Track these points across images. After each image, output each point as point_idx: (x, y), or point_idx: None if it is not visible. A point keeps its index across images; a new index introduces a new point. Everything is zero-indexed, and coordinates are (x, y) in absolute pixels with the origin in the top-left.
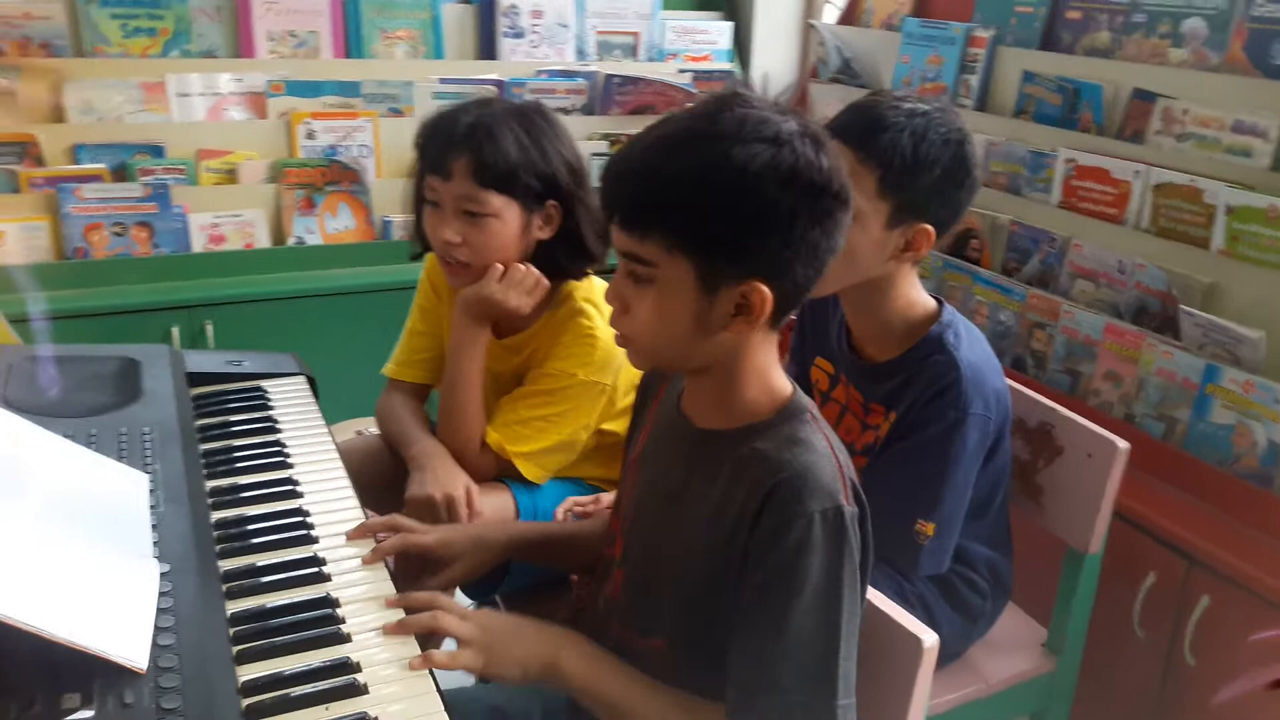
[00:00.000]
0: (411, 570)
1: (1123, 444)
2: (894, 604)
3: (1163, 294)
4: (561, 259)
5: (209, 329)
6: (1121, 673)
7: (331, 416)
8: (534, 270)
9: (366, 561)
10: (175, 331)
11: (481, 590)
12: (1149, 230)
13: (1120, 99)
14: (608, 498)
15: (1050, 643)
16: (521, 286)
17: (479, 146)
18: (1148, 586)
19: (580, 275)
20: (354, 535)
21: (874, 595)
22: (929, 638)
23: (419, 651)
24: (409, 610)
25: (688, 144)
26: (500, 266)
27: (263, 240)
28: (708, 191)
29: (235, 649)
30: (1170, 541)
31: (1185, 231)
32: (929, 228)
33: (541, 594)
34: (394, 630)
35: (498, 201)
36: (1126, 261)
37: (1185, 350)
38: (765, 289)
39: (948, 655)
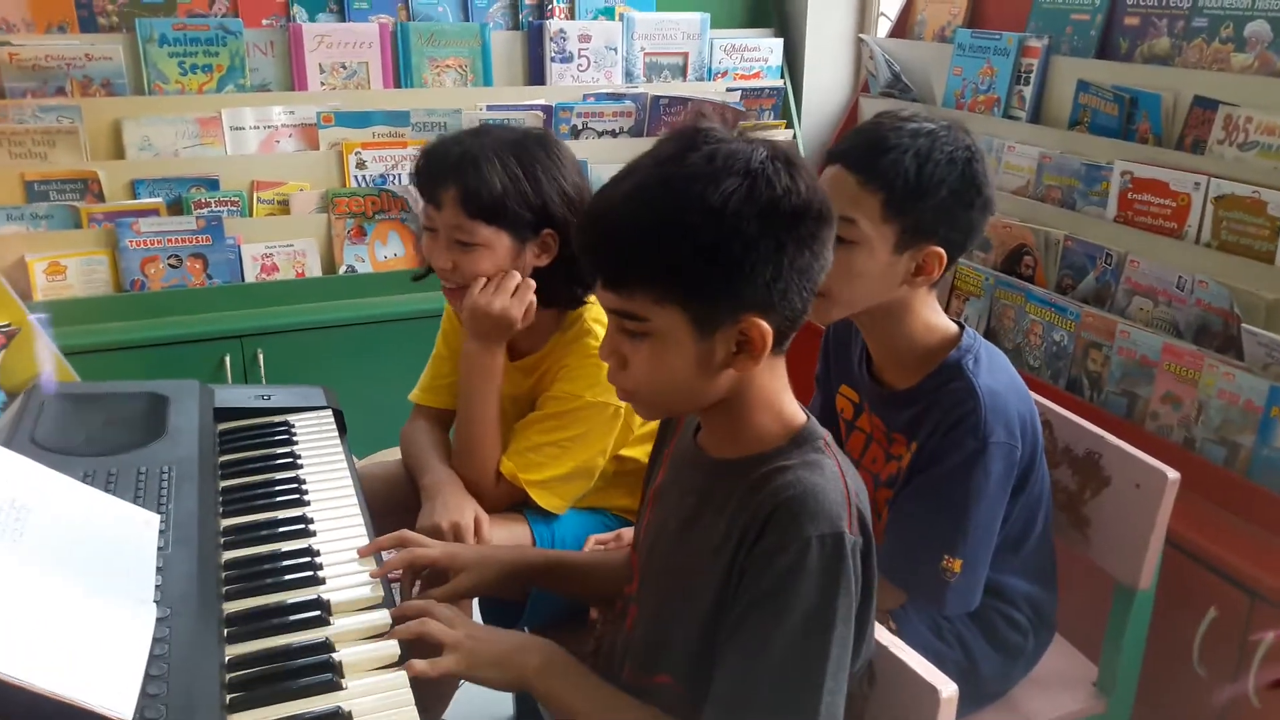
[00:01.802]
0: (419, 586)
1: (1173, 474)
2: (913, 651)
3: (1224, 312)
4: (559, 286)
5: (261, 358)
6: (1181, 714)
7: (380, 443)
8: (517, 274)
9: (374, 575)
10: (227, 360)
11: (503, 623)
12: (1210, 245)
13: (1180, 108)
14: (629, 533)
15: (1101, 681)
16: (504, 291)
17: (465, 178)
18: (1209, 622)
19: (578, 303)
20: (364, 552)
21: (894, 641)
22: (947, 688)
23: (412, 704)
24: (401, 620)
25: (659, 191)
26: (483, 279)
27: (314, 269)
28: (689, 238)
29: (228, 696)
30: (1232, 575)
31: (1249, 246)
32: (940, 250)
33: (563, 629)
34: (391, 635)
35: (486, 232)
36: (1186, 278)
37: (1248, 371)
38: (763, 323)
39: (989, 695)
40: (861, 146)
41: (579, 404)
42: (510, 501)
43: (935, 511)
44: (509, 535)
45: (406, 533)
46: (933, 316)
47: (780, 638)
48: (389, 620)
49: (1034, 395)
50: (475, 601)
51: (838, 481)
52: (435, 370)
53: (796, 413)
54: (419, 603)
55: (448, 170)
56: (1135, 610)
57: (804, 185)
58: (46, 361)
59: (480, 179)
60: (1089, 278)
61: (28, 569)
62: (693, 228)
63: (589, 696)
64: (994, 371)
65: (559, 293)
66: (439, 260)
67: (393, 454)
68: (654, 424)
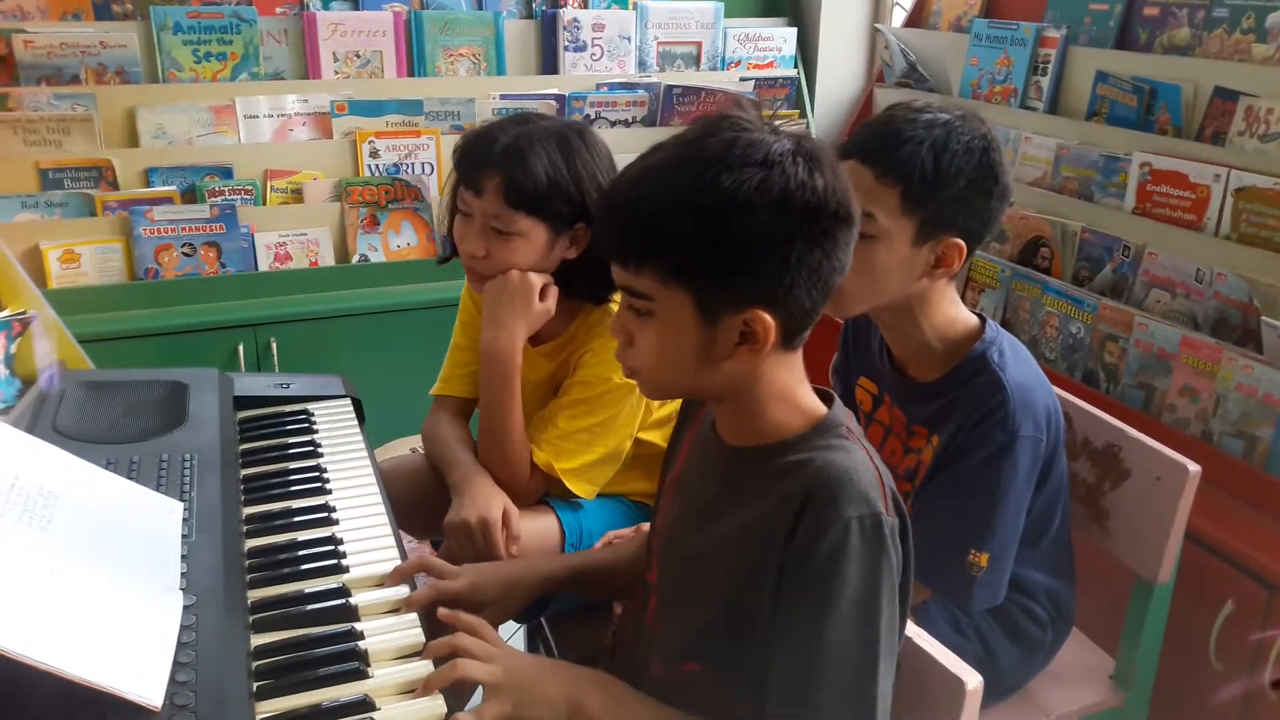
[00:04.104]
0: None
1: (1194, 467)
2: (937, 643)
3: (1243, 304)
4: (585, 279)
5: (274, 346)
6: (1197, 707)
7: (394, 432)
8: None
9: (401, 612)
10: (241, 349)
11: (527, 614)
12: (1229, 237)
13: (1200, 99)
14: (647, 528)
15: (1118, 674)
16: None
17: (512, 168)
18: (1225, 615)
19: (601, 300)
20: (390, 582)
21: (918, 633)
22: (972, 680)
23: (440, 696)
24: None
25: (675, 172)
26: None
27: (327, 258)
28: (697, 220)
29: (255, 684)
30: (1249, 568)
31: (1269, 238)
32: (960, 241)
33: (587, 619)
34: (420, 693)
35: (525, 223)
36: (1205, 270)
37: (1268, 364)
38: (768, 317)
39: (1007, 688)
40: (877, 139)
41: (607, 387)
42: (543, 492)
43: (962, 506)
44: (537, 527)
45: (428, 559)
46: (952, 309)
47: (831, 627)
48: (415, 613)
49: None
50: None
51: (867, 464)
52: (455, 360)
53: (816, 403)
54: (448, 640)
55: (494, 158)
56: (1154, 603)
57: (822, 183)
58: (46, 359)
59: (526, 170)
60: (1106, 270)
61: (57, 556)
62: (702, 211)
63: None
64: (1020, 364)
65: (584, 287)
66: (472, 246)
67: (406, 443)
68: (671, 407)
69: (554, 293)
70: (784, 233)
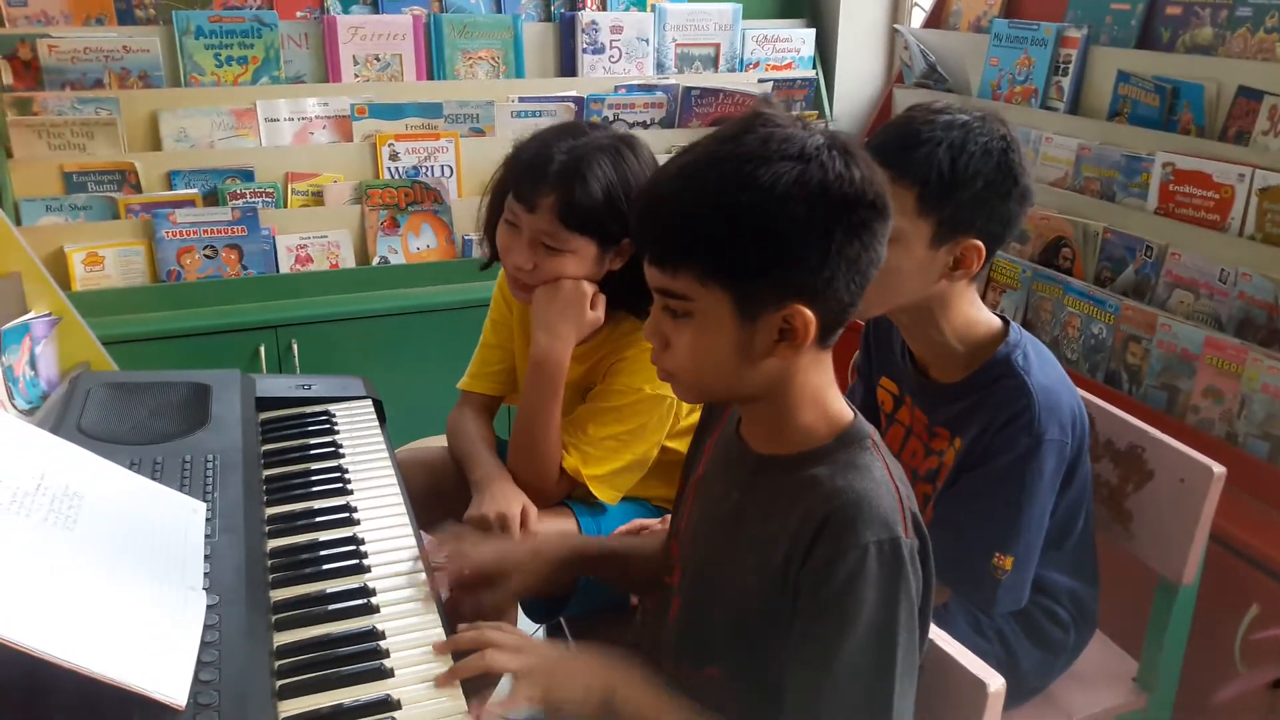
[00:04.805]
0: (470, 585)
1: (1219, 468)
2: (960, 645)
3: (1268, 305)
4: (630, 292)
5: (295, 348)
6: (1222, 711)
7: (415, 433)
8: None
9: (437, 649)
10: (262, 350)
11: (547, 613)
12: (1254, 237)
13: (1223, 98)
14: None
15: (1141, 677)
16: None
17: (569, 188)
18: (1250, 618)
19: (643, 315)
20: (420, 559)
21: (940, 635)
22: (994, 682)
23: (459, 690)
24: (457, 654)
25: (711, 170)
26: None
27: (348, 260)
28: (736, 216)
29: (278, 683)
30: (1275, 570)
31: None
32: (978, 243)
33: (606, 620)
34: (445, 681)
35: (578, 241)
36: (1229, 270)
37: None
38: (807, 311)
39: (1029, 690)
40: (893, 141)
41: (639, 397)
42: (565, 495)
43: (987, 509)
44: (555, 528)
45: (451, 535)
46: (973, 311)
47: (846, 651)
48: (437, 612)
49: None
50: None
51: (888, 485)
52: (483, 358)
53: (843, 410)
54: (473, 633)
55: (550, 177)
56: (1178, 606)
57: (859, 174)
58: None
59: (585, 191)
60: (1128, 270)
61: (82, 556)
62: (740, 206)
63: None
64: (1044, 367)
65: (628, 299)
66: (519, 259)
67: (426, 444)
68: (698, 415)
69: (602, 301)
70: (824, 225)
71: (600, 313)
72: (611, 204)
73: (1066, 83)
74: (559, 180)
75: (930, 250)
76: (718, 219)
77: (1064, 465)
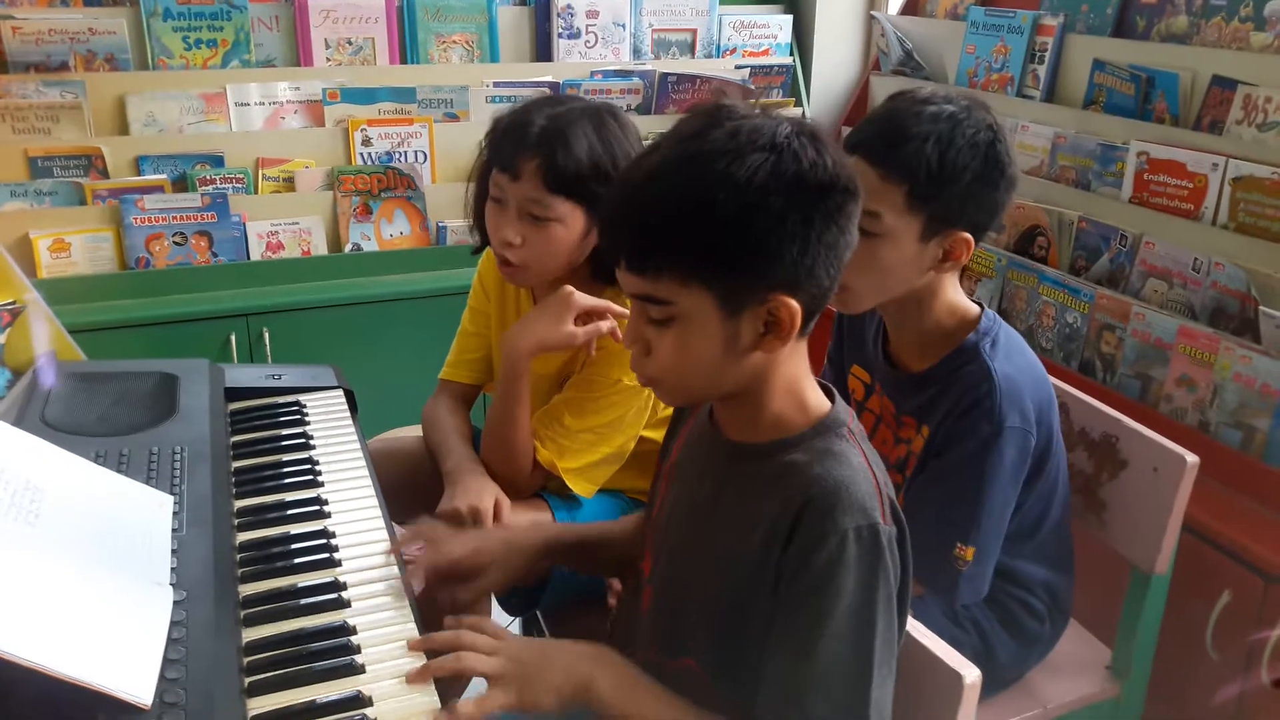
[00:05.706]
0: (443, 579)
1: (1192, 458)
2: (935, 637)
3: (1241, 294)
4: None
5: (266, 336)
6: (1193, 698)
7: (386, 423)
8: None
9: (420, 599)
10: (233, 339)
11: (522, 605)
12: (1227, 226)
13: (1198, 87)
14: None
15: (1115, 665)
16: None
17: (551, 150)
18: (1222, 606)
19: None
20: (392, 552)
21: (916, 626)
22: (970, 673)
23: (432, 687)
24: (431, 653)
25: (684, 169)
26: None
27: (320, 247)
28: (715, 215)
29: (246, 680)
30: (1246, 558)
31: (1266, 228)
32: (967, 235)
33: (583, 609)
34: (417, 678)
35: (563, 207)
36: (1202, 260)
37: (1265, 354)
38: (792, 301)
39: (1004, 680)
40: (880, 137)
41: (617, 388)
42: (540, 487)
43: (948, 499)
44: (530, 520)
45: (425, 528)
46: (956, 298)
47: (825, 638)
48: (409, 607)
49: (1049, 378)
50: None
51: (866, 472)
52: (461, 345)
53: (820, 399)
54: (448, 635)
55: (532, 141)
56: (1151, 594)
57: (830, 159)
58: (43, 348)
59: (567, 152)
60: (1103, 259)
61: (45, 551)
62: (719, 204)
63: (661, 709)
64: (1011, 355)
65: (610, 270)
66: (508, 233)
67: (400, 434)
68: None
69: (594, 331)
70: (803, 214)
71: (582, 339)
72: (596, 166)
73: (1042, 71)
74: (541, 143)
75: (920, 244)
76: (697, 219)
77: (1028, 456)
